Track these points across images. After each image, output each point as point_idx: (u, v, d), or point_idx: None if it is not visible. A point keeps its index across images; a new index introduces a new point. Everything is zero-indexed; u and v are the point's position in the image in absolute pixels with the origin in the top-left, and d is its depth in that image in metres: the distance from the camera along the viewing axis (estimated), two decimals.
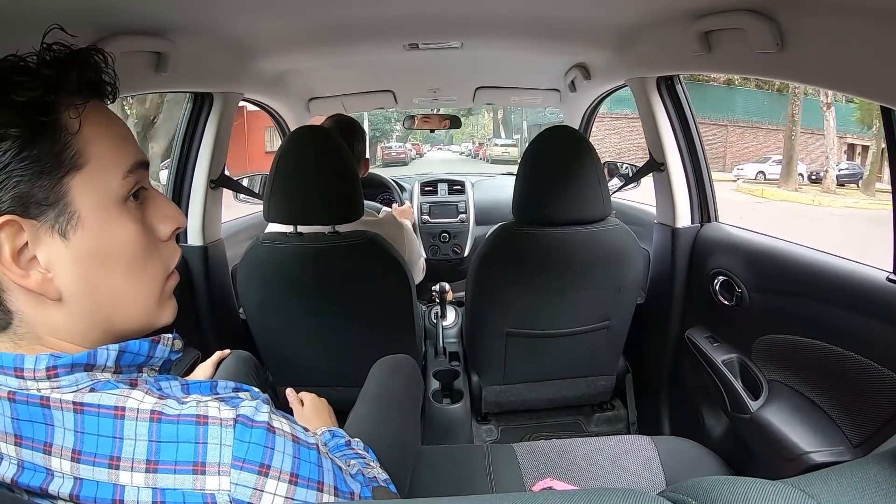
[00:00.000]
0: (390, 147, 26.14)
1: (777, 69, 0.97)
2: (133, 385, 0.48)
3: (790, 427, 1.16)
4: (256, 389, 0.54)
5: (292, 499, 0.47)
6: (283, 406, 0.97)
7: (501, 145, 24.74)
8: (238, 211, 2.21)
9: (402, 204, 2.64)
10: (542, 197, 1.39)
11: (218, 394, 0.51)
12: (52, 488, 0.44)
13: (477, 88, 2.47)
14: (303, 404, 1.01)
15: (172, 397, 0.47)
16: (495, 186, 3.07)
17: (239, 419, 0.46)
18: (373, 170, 3.28)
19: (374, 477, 0.70)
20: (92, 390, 0.46)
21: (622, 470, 1.14)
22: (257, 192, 1.99)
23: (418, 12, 1.27)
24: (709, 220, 1.63)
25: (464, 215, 2.89)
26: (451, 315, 2.16)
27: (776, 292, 1.28)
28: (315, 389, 1.13)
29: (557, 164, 1.38)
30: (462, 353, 1.92)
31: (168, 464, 0.44)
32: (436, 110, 3.17)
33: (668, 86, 1.59)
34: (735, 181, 15.64)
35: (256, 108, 2.15)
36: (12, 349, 0.47)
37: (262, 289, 1.44)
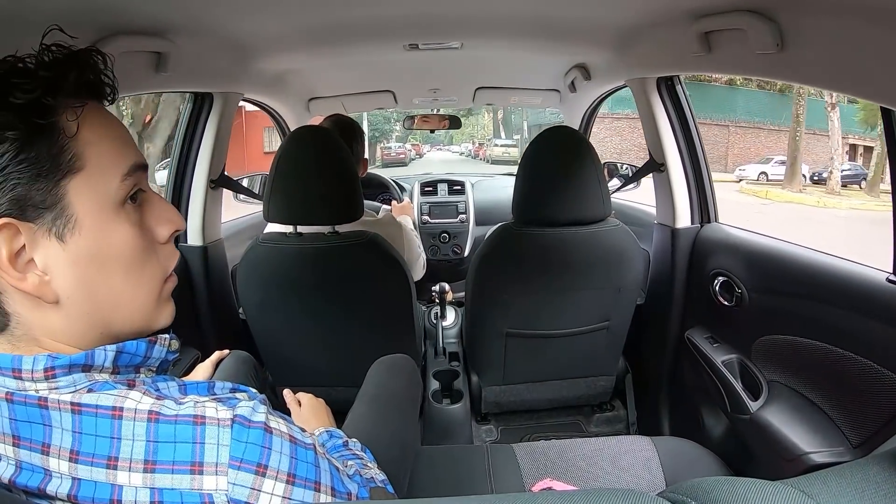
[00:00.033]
0: (390, 147, 26.09)
1: (777, 70, 0.97)
2: (131, 386, 0.48)
3: (790, 428, 1.16)
4: (254, 390, 0.54)
5: (289, 499, 0.47)
6: (282, 406, 0.97)
7: (501, 146, 24.71)
8: (238, 211, 2.20)
9: (401, 202, 2.64)
10: (542, 197, 1.39)
11: (215, 394, 0.51)
12: (51, 489, 0.44)
13: (477, 89, 2.48)
14: (300, 405, 1.01)
15: (170, 398, 0.47)
16: (495, 187, 3.07)
17: (236, 419, 0.46)
18: (372, 170, 3.28)
19: (372, 477, 0.70)
20: (90, 391, 0.46)
21: (622, 470, 1.14)
22: (257, 192, 1.99)
23: (418, 12, 1.27)
24: (709, 221, 1.63)
25: (464, 216, 2.89)
26: (450, 315, 2.16)
27: (776, 293, 1.28)
28: (314, 389, 1.13)
29: (557, 164, 1.38)
30: (462, 353, 1.92)
31: (166, 464, 0.44)
32: (436, 110, 3.17)
33: (668, 86, 1.59)
34: (737, 182, 15.53)
35: (255, 108, 2.15)
36: (10, 350, 0.47)
37: (261, 289, 1.43)
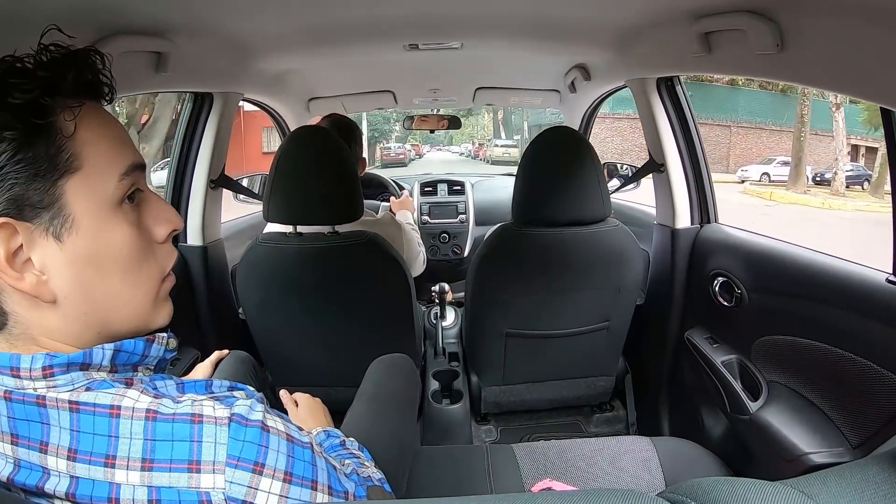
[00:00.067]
0: (389, 148, 26.05)
1: (777, 70, 0.97)
2: (129, 384, 0.48)
3: (789, 428, 1.16)
4: (251, 388, 0.54)
5: (286, 497, 0.47)
6: (280, 406, 0.97)
7: (502, 146, 24.67)
8: (238, 211, 2.20)
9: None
10: (541, 197, 1.39)
11: (213, 393, 0.51)
12: (49, 487, 0.44)
13: (477, 89, 2.48)
14: (297, 405, 1.01)
15: (168, 396, 0.47)
16: (495, 187, 3.07)
17: (233, 418, 0.47)
18: (372, 171, 3.28)
19: (369, 476, 0.70)
20: (88, 389, 0.46)
21: (621, 471, 1.14)
22: (257, 192, 1.99)
23: (418, 12, 1.27)
24: (708, 221, 1.63)
25: (463, 216, 2.89)
26: (450, 315, 2.16)
27: (776, 293, 1.28)
28: (314, 389, 1.13)
29: (557, 164, 1.38)
30: (461, 353, 1.92)
31: (163, 462, 0.44)
32: (436, 111, 3.17)
33: (668, 87, 1.59)
34: (740, 183, 15.44)
35: (253, 109, 2.15)
36: (8, 349, 0.47)
37: (261, 289, 1.43)
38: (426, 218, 2.86)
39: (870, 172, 14.07)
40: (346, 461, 0.73)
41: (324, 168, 1.31)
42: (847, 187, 13.45)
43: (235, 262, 1.56)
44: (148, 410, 0.45)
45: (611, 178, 2.12)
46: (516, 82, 2.41)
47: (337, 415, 1.04)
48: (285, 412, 0.96)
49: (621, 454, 1.17)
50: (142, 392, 0.47)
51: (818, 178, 14.56)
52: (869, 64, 0.78)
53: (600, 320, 1.58)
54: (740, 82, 16.96)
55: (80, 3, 0.87)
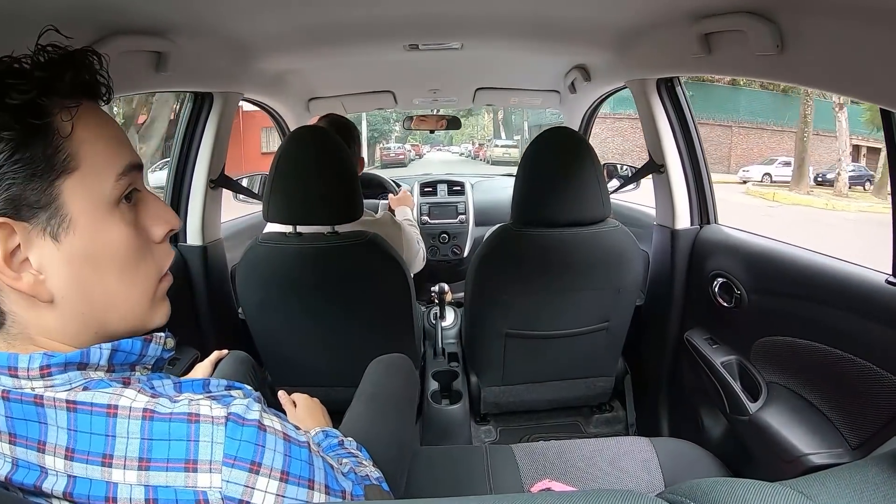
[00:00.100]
0: (389, 148, 26.00)
1: (777, 71, 0.97)
2: (126, 384, 0.48)
3: (789, 429, 1.16)
4: (249, 388, 0.54)
5: (283, 496, 0.47)
6: (280, 406, 0.97)
7: (502, 146, 24.65)
8: (237, 211, 2.20)
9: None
10: (541, 198, 1.39)
11: (210, 392, 0.52)
12: (46, 486, 0.45)
13: (477, 89, 2.48)
14: (295, 406, 1.01)
15: (165, 396, 0.48)
16: (495, 187, 3.07)
17: (230, 417, 0.47)
18: (372, 171, 3.28)
19: (367, 475, 0.70)
20: (85, 389, 0.46)
21: (621, 471, 1.14)
22: (257, 192, 1.99)
23: (418, 13, 1.27)
24: (708, 222, 1.63)
25: (463, 216, 2.89)
26: (450, 316, 2.16)
27: (775, 294, 1.28)
28: (314, 389, 1.13)
29: (557, 165, 1.38)
30: (461, 353, 1.92)
31: (160, 461, 0.44)
32: (436, 111, 3.17)
33: (668, 88, 1.59)
34: (741, 183, 15.33)
35: (252, 109, 2.15)
36: (6, 349, 0.47)
37: (261, 289, 1.43)
38: (426, 218, 2.86)
39: (871, 173, 13.94)
40: (344, 460, 0.73)
41: (324, 168, 1.30)
42: (849, 188, 13.36)
43: (235, 263, 1.56)
44: (145, 410, 0.45)
45: (610, 178, 2.12)
46: (516, 83, 2.42)
47: (336, 415, 1.04)
48: (284, 413, 0.96)
49: (621, 455, 1.18)
50: (139, 391, 0.47)
51: (819, 179, 14.45)
52: (869, 65, 0.78)
53: (600, 321, 1.58)
54: (741, 82, 16.90)
55: (80, 3, 0.87)
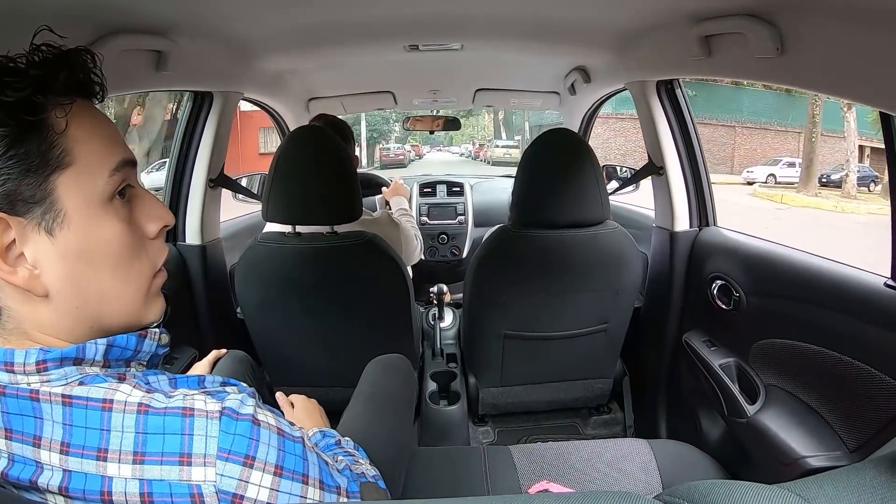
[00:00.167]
0: (388, 149, 25.84)
1: (777, 74, 0.98)
2: (121, 379, 0.49)
3: (787, 431, 1.16)
4: (244, 384, 0.54)
5: (277, 490, 0.47)
6: (278, 406, 0.97)
7: (503, 146, 24.53)
8: (236, 211, 2.20)
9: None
10: (540, 199, 1.39)
11: (205, 388, 0.52)
12: (42, 481, 0.45)
13: (477, 90, 2.48)
14: (293, 407, 1.01)
15: (160, 391, 0.48)
16: (494, 188, 3.08)
17: (224, 411, 0.47)
18: (371, 171, 3.28)
19: (363, 472, 0.71)
20: (81, 383, 0.47)
21: (619, 473, 1.14)
22: (256, 192, 1.99)
23: (418, 13, 1.27)
24: (707, 224, 1.63)
25: (462, 217, 2.89)
26: (448, 317, 2.16)
27: (774, 296, 1.28)
28: (312, 389, 1.13)
29: (556, 166, 1.38)
30: (459, 354, 1.92)
31: (155, 455, 0.45)
32: (435, 112, 3.18)
33: (667, 90, 1.59)
34: (746, 185, 15.15)
35: (250, 109, 2.15)
36: (1, 344, 0.48)
37: (261, 288, 1.43)
38: (425, 219, 2.86)
39: (876, 174, 13.75)
40: (340, 458, 0.73)
41: (323, 168, 1.30)
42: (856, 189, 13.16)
43: (234, 262, 1.55)
44: (140, 404, 0.46)
45: (610, 180, 2.12)
46: (516, 84, 2.42)
47: (334, 415, 1.04)
48: (282, 414, 0.96)
49: (618, 457, 1.17)
50: (134, 387, 0.47)
51: (824, 180, 14.21)
52: (869, 68, 0.78)
53: (599, 322, 1.58)
54: (745, 82, 16.81)
55: (81, 1, 0.87)
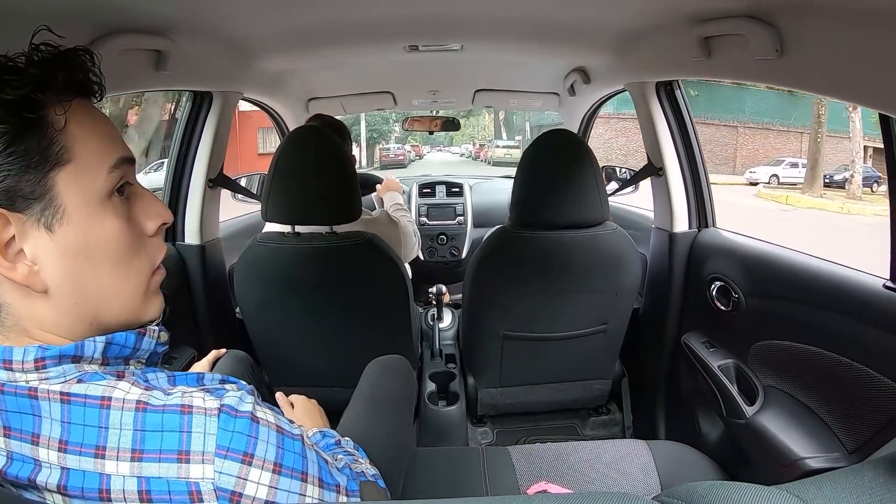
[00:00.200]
0: (388, 149, 25.78)
1: (777, 75, 0.98)
2: (120, 377, 0.49)
3: (785, 433, 1.16)
4: (243, 382, 0.54)
5: (276, 488, 0.47)
6: (277, 406, 0.97)
7: (503, 147, 24.46)
8: (235, 212, 2.20)
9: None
10: (540, 200, 1.39)
11: (204, 385, 0.52)
12: (40, 479, 0.45)
13: (476, 91, 2.48)
14: (293, 407, 1.01)
15: (158, 388, 0.48)
16: (493, 189, 3.08)
17: (223, 409, 0.47)
18: (371, 172, 3.28)
19: (363, 471, 0.71)
20: (79, 381, 0.47)
21: (617, 474, 1.14)
22: (255, 192, 1.99)
23: (418, 13, 1.27)
24: (706, 226, 1.63)
25: (461, 217, 2.89)
26: (447, 317, 2.16)
27: (773, 298, 1.28)
28: (312, 390, 1.13)
29: (556, 167, 1.38)
30: (458, 355, 1.92)
31: (153, 452, 0.45)
32: (435, 112, 3.18)
33: (667, 91, 1.59)
34: (749, 185, 15.04)
35: (249, 109, 2.15)
36: (1, 341, 0.48)
37: (261, 288, 1.43)
38: (424, 219, 2.87)
39: (879, 174, 13.51)
40: (339, 456, 0.73)
41: (323, 168, 1.30)
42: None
43: (233, 262, 1.55)
44: (138, 402, 0.46)
45: (609, 181, 2.12)
46: (516, 85, 2.42)
47: (334, 415, 1.04)
48: (281, 412, 0.96)
49: (617, 457, 1.17)
50: (133, 384, 0.47)
51: (827, 180, 14.07)
52: (868, 70, 0.78)
53: (598, 323, 1.58)
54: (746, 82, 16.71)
55: (81, 0, 0.87)
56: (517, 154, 20.95)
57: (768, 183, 15.16)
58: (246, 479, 0.46)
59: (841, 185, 13.39)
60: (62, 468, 0.45)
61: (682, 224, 1.63)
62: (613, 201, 1.84)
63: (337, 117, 2.16)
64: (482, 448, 1.22)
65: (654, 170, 1.65)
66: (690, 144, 1.62)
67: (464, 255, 2.85)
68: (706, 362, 1.44)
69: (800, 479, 0.44)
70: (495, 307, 1.53)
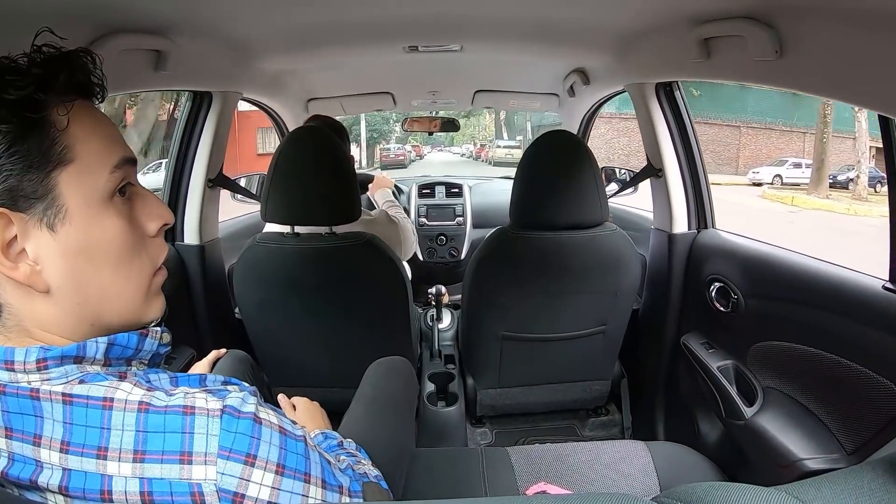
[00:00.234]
0: (388, 149, 25.76)
1: (776, 77, 0.98)
2: (122, 378, 0.48)
3: (785, 434, 1.16)
4: (245, 383, 0.54)
5: (279, 489, 0.47)
6: (278, 407, 0.97)
7: (504, 147, 24.40)
8: (234, 212, 2.20)
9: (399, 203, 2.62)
10: (540, 201, 1.39)
11: (206, 386, 0.52)
12: (42, 480, 0.45)
13: (476, 92, 2.48)
14: (295, 409, 1.01)
15: (161, 389, 0.48)
16: (493, 190, 3.08)
17: (226, 410, 0.47)
18: (371, 172, 3.28)
19: (365, 473, 0.71)
20: (81, 382, 0.47)
21: (616, 475, 1.14)
22: (255, 192, 1.99)
23: (418, 14, 1.27)
24: (705, 227, 1.63)
25: (461, 218, 2.89)
26: (446, 318, 2.16)
27: (772, 299, 1.28)
28: (311, 390, 1.13)
29: (556, 168, 1.38)
30: (457, 356, 1.92)
31: (155, 453, 0.45)
32: (434, 113, 3.18)
33: (666, 92, 1.59)
34: (752, 185, 14.91)
35: (248, 109, 2.15)
36: (2, 342, 0.48)
37: (261, 289, 1.43)
38: (423, 220, 2.87)
39: (882, 174, 13.65)
40: (342, 457, 0.73)
41: (322, 169, 1.30)
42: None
43: (232, 262, 1.55)
44: (140, 402, 0.46)
45: (609, 182, 2.12)
46: (515, 85, 2.42)
47: (334, 416, 1.03)
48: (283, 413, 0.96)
49: (616, 458, 1.17)
50: (135, 385, 0.47)
51: (830, 181, 13.85)
52: (868, 71, 0.78)
53: (597, 324, 1.58)
54: None
55: (81, 0, 0.87)
56: (518, 154, 20.77)
57: (772, 183, 15.05)
58: (248, 481, 0.46)
59: (844, 186, 13.28)
60: (64, 469, 0.45)
61: (681, 225, 1.63)
62: (613, 202, 1.84)
63: (336, 118, 2.16)
64: (481, 449, 1.22)
65: (653, 171, 1.65)
66: (690, 145, 1.62)
67: (463, 255, 2.85)
68: (705, 363, 1.44)
69: (799, 481, 0.44)
70: (494, 308, 1.53)
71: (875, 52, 0.76)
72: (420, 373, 1.83)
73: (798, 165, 15.05)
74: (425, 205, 2.91)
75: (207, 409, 0.46)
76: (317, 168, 1.30)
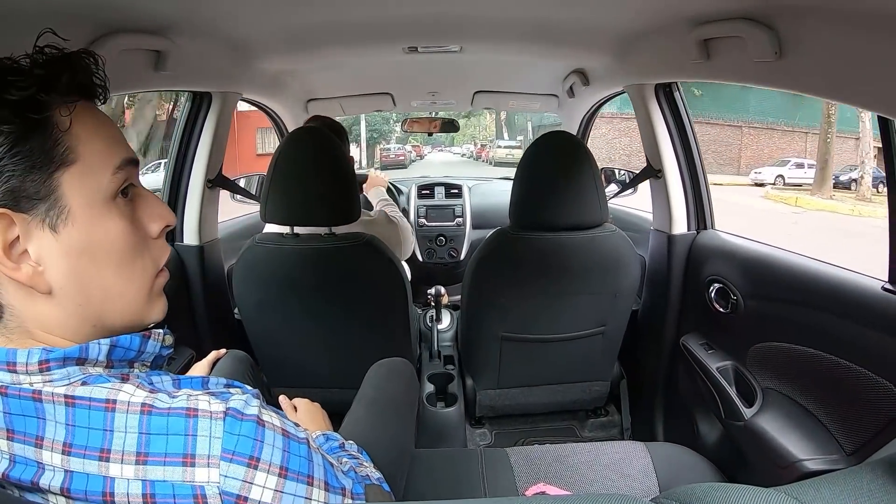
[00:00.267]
0: (388, 149, 25.68)
1: (775, 78, 0.98)
2: (124, 379, 0.48)
3: (784, 435, 1.16)
4: (248, 385, 0.54)
5: (282, 492, 0.47)
6: (279, 408, 0.97)
7: (505, 147, 24.32)
8: (234, 212, 2.20)
9: (398, 204, 2.62)
10: (539, 202, 1.39)
11: (209, 389, 0.52)
12: (44, 482, 0.45)
13: (475, 92, 2.48)
14: (296, 410, 1.00)
15: (163, 391, 0.48)
16: (493, 191, 3.08)
17: (229, 412, 0.47)
18: (365, 172, 3.28)
19: (367, 475, 0.70)
20: (83, 384, 0.46)
21: (616, 475, 1.14)
22: (254, 192, 1.99)
23: (418, 15, 1.27)
24: (705, 228, 1.63)
25: (460, 219, 2.89)
26: (446, 318, 2.16)
27: (771, 300, 1.28)
28: (311, 391, 1.13)
29: (555, 169, 1.38)
30: (457, 356, 1.92)
31: (158, 456, 0.44)
32: (434, 113, 3.18)
33: (666, 93, 1.59)
34: (755, 186, 14.86)
35: (247, 109, 2.15)
36: (4, 343, 0.48)
37: (260, 289, 1.43)
38: (423, 220, 2.87)
39: (884, 174, 13.65)
40: (344, 459, 0.73)
41: (322, 169, 1.30)
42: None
43: (231, 263, 1.55)
44: (143, 405, 0.46)
45: (608, 183, 2.13)
46: (515, 86, 2.42)
47: (334, 416, 1.03)
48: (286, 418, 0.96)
49: (615, 459, 1.17)
50: (137, 387, 0.47)
51: (833, 180, 13.78)
52: (867, 72, 0.78)
53: (596, 325, 1.58)
54: None
55: (81, 0, 0.87)
56: (519, 154, 20.80)
57: (774, 184, 15.00)
58: (251, 483, 0.46)
59: (847, 186, 13.22)
60: (66, 471, 0.44)
61: (680, 226, 1.63)
62: (612, 203, 1.84)
63: (336, 118, 2.16)
64: (480, 449, 1.22)
65: (652, 172, 1.65)
66: (689, 146, 1.62)
67: (462, 256, 2.85)
68: (705, 364, 1.44)
69: (798, 481, 0.44)
70: (494, 308, 1.53)
71: (875, 53, 0.76)
72: (419, 373, 1.83)
73: (800, 166, 15.02)
74: (425, 205, 2.91)
75: (210, 412, 0.46)
76: (316, 169, 1.30)
